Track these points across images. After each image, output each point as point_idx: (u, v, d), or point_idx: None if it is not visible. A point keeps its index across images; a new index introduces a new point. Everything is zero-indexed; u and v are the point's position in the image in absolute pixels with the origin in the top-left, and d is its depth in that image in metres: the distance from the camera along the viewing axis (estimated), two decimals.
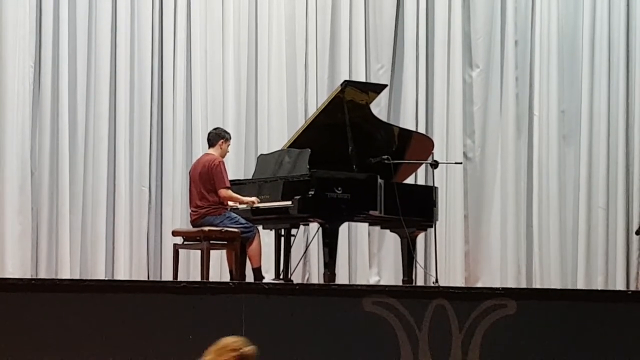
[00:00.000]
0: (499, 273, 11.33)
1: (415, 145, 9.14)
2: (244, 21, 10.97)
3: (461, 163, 11.14)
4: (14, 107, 10.17)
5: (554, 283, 11.34)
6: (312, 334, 5.95)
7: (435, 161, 9.02)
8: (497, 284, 10.92)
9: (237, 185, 8.88)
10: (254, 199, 8.65)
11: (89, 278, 9.84)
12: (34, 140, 10.28)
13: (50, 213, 10.28)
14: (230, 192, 8.68)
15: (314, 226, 9.43)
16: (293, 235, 8.96)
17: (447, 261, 11.24)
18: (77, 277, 10.03)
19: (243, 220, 8.66)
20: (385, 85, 9.87)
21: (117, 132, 10.50)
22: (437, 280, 9.09)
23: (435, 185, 9.10)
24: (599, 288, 11.12)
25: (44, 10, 10.32)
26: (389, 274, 11.10)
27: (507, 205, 11.47)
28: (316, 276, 10.73)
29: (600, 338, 6.36)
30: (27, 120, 10.23)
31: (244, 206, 8.74)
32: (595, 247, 11.53)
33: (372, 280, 11.08)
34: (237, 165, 10.61)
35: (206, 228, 8.57)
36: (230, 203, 8.78)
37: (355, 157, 8.63)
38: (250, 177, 9.38)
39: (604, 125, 11.64)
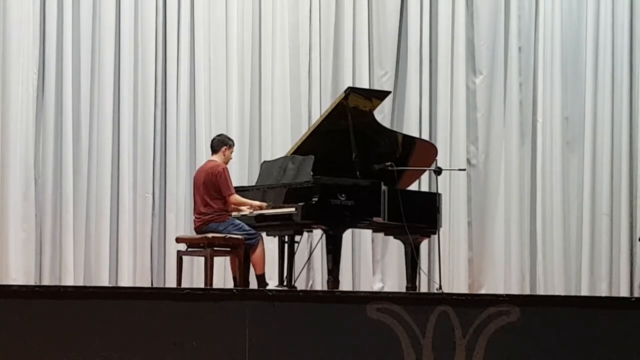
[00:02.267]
0: (502, 280, 11.33)
1: (418, 152, 9.14)
2: (248, 28, 10.99)
3: (465, 169, 11.17)
4: (17, 114, 10.18)
5: (558, 290, 11.34)
6: (316, 340, 5.94)
7: (439, 168, 9.02)
8: (500, 290, 10.92)
9: (241, 192, 8.88)
10: (262, 203, 8.66)
11: (92, 285, 9.85)
12: (37, 147, 10.29)
13: (54, 220, 10.28)
14: (239, 197, 8.69)
15: (317, 233, 9.43)
16: (297, 242, 8.95)
17: (450, 268, 11.24)
18: (80, 284, 10.03)
19: (247, 227, 8.66)
20: (389, 92, 9.88)
21: (121, 139, 10.51)
22: (440, 287, 9.10)
23: (439, 191, 9.11)
24: (603, 295, 11.12)
25: (48, 16, 10.34)
26: (393, 281, 11.11)
27: (511, 212, 11.47)
28: (320, 283, 10.74)
29: (604, 345, 6.35)
30: (31, 127, 10.24)
31: (247, 213, 8.75)
32: (599, 253, 11.53)
33: (376, 286, 11.08)
34: (241, 171, 10.62)
35: (210, 235, 8.58)
36: (237, 207, 8.77)
37: (359, 163, 8.62)
38: (254, 183, 9.38)
39: (608, 131, 11.64)
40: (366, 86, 11.00)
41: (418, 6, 11.43)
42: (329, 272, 8.42)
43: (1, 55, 10.20)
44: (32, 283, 9.87)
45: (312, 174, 8.45)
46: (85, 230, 10.35)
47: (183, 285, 8.94)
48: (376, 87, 11.08)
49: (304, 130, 10.24)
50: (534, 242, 11.54)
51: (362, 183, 8.51)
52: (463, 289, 11.12)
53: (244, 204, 8.71)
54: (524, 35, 11.67)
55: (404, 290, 9.35)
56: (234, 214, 8.80)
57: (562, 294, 11.06)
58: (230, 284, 9.28)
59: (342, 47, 11.25)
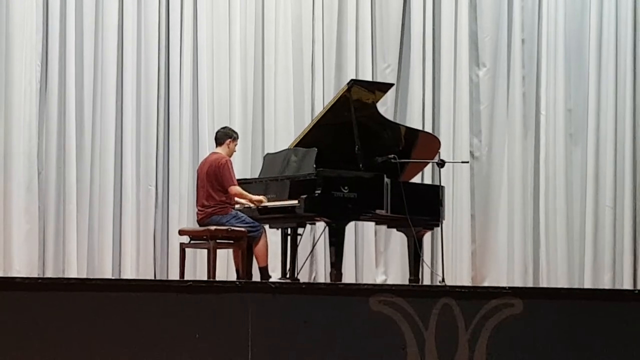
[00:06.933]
0: (505, 272, 11.33)
1: (421, 145, 9.14)
2: (251, 21, 10.98)
3: (468, 162, 11.16)
4: (20, 106, 10.19)
5: (561, 282, 11.33)
6: (319, 333, 5.94)
7: (442, 160, 9.01)
8: (503, 283, 10.92)
9: (244, 185, 8.87)
10: (262, 197, 8.66)
11: (95, 277, 9.86)
12: (40, 139, 10.30)
13: (57, 212, 10.29)
14: (239, 189, 8.68)
15: (320, 225, 9.43)
16: (299, 235, 8.95)
17: (453, 260, 11.24)
18: (84, 276, 10.04)
19: (249, 220, 8.66)
20: (392, 84, 9.86)
21: (124, 131, 10.51)
22: (443, 280, 9.09)
23: (442, 184, 9.09)
24: (606, 287, 11.12)
25: (51, 9, 10.34)
26: (396, 273, 11.11)
27: (514, 204, 11.46)
28: (323, 275, 10.75)
29: (607, 337, 6.35)
30: (34, 119, 10.25)
31: (250, 205, 8.75)
32: (602, 245, 11.52)
33: (379, 279, 11.08)
34: (244, 164, 10.62)
35: (213, 227, 8.57)
36: (238, 200, 8.77)
37: (362, 156, 8.62)
38: (257, 176, 9.38)
39: (611, 123, 11.63)
40: (369, 78, 10.99)
41: None
42: (332, 264, 8.42)
43: (4, 48, 10.20)
44: (35, 275, 9.88)
45: (315, 166, 8.45)
46: (88, 223, 10.36)
47: (186, 278, 8.94)
48: (379, 79, 11.06)
49: (307, 122, 10.23)
50: (537, 235, 11.54)
51: (365, 175, 8.51)
52: (466, 282, 11.12)
53: (244, 197, 8.71)
54: (527, 28, 11.65)
55: (406, 282, 9.35)
56: (237, 206, 8.80)
57: (565, 286, 11.06)
58: (233, 276, 9.28)
59: (345, 39, 11.24)
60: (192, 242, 8.85)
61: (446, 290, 6.21)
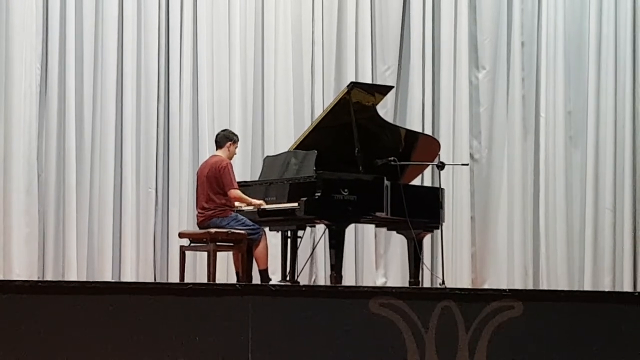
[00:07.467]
0: (505, 274, 11.33)
1: (421, 147, 9.14)
2: (251, 23, 10.98)
3: (468, 164, 11.15)
4: (20, 109, 10.18)
5: (561, 284, 11.33)
6: (319, 335, 5.94)
7: (442, 162, 9.01)
8: (504, 285, 10.92)
9: (244, 187, 8.88)
10: (261, 202, 8.66)
11: (95, 280, 9.85)
12: (40, 142, 10.29)
13: (57, 215, 10.28)
14: (239, 192, 8.69)
15: (320, 227, 9.43)
16: (299, 237, 8.95)
17: (453, 263, 11.24)
18: (83, 279, 10.04)
19: (249, 222, 8.66)
20: (392, 87, 9.86)
21: (124, 134, 10.50)
22: (443, 282, 9.08)
23: (442, 186, 9.09)
24: (606, 289, 11.11)
25: (51, 11, 10.34)
26: (396, 276, 11.11)
27: (514, 207, 11.46)
28: (323, 278, 10.74)
29: (608, 339, 6.35)
30: (34, 122, 10.24)
31: (250, 208, 8.75)
32: (602, 248, 11.52)
33: (379, 281, 11.08)
34: (244, 167, 10.62)
35: (213, 230, 8.58)
36: (237, 204, 8.78)
37: (362, 158, 8.62)
38: (256, 178, 9.38)
39: (611, 126, 11.64)
40: (369, 81, 10.99)
41: (421, 1, 11.42)
42: (332, 267, 8.42)
43: (4, 50, 10.20)
44: (35, 278, 9.87)
45: (315, 168, 8.44)
46: (88, 225, 10.35)
47: (186, 281, 8.94)
48: (379, 81, 11.07)
49: (306, 125, 10.23)
50: (537, 237, 11.54)
51: (365, 178, 8.51)
52: (466, 284, 11.12)
53: (243, 200, 8.71)
54: (527, 30, 11.66)
55: (406, 285, 9.35)
56: (236, 207, 8.80)
57: (565, 288, 11.05)
58: (233, 279, 9.28)
59: (345, 41, 11.24)
60: (192, 244, 8.85)
61: (446, 292, 6.21)
